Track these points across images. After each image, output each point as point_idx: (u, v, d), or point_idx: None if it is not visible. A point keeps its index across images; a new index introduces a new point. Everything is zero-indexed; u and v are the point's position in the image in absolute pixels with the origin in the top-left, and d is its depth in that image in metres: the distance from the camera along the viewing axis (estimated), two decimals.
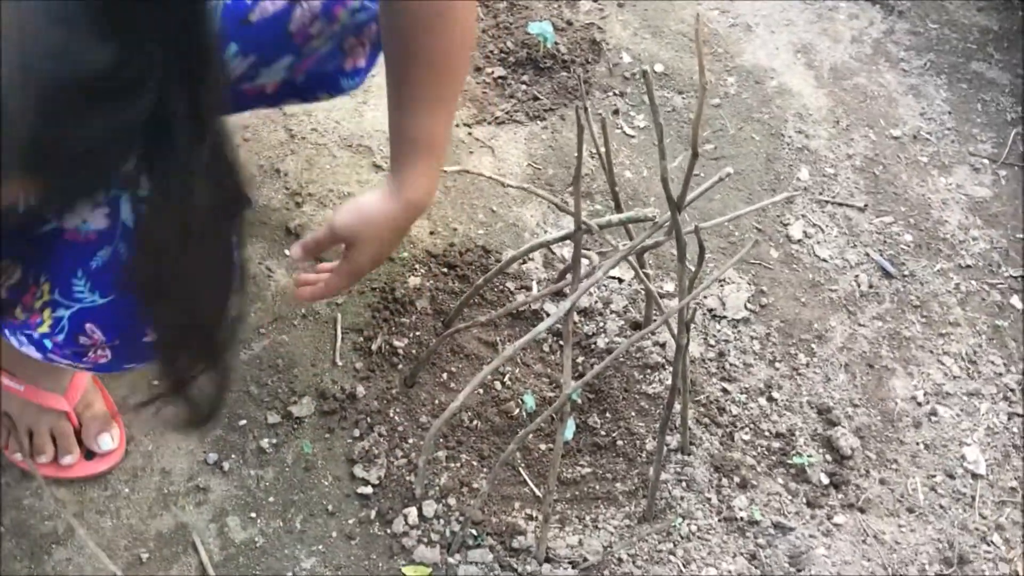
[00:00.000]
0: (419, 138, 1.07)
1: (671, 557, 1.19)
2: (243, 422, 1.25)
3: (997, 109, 1.78)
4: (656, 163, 1.60)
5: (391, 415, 1.27)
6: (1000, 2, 1.96)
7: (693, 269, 1.04)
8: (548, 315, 1.36)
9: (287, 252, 1.41)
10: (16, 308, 0.88)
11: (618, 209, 1.14)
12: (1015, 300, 1.51)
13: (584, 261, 1.39)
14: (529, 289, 1.41)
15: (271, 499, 1.20)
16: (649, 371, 1.35)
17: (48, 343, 0.91)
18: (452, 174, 1.54)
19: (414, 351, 1.32)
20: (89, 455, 1.19)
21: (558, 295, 1.39)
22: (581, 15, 1.82)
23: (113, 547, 1.15)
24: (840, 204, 1.59)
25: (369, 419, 1.26)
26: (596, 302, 1.41)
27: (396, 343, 1.33)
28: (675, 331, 1.09)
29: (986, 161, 1.69)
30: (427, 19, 1.08)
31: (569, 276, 1.36)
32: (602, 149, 1.05)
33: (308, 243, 1.11)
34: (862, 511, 1.26)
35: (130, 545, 1.15)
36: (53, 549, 1.14)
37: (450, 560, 1.16)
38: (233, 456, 1.23)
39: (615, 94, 1.70)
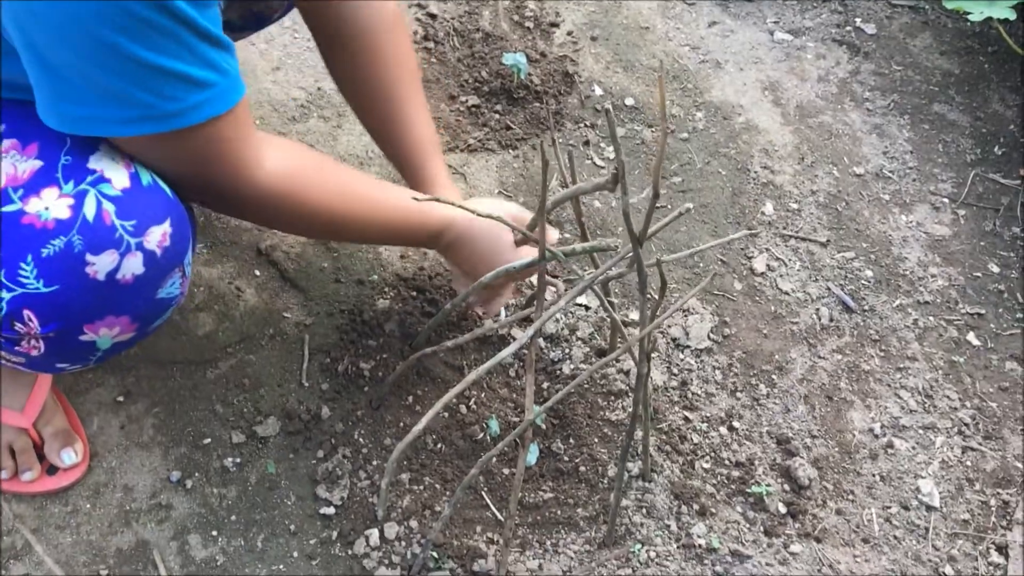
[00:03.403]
0: (430, 139, 1.28)
1: None
2: (207, 440, 1.25)
3: (957, 150, 1.83)
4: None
5: (356, 436, 1.28)
6: (962, 47, 2.02)
7: (656, 299, 1.06)
8: (515, 339, 1.38)
9: (257, 272, 1.43)
10: None
11: (584, 238, 1.16)
12: (971, 336, 1.54)
13: (550, 288, 1.41)
14: (497, 314, 1.43)
15: (233, 518, 1.20)
16: (613, 398, 1.37)
17: None
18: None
19: (380, 373, 1.33)
20: (52, 470, 1.19)
21: (525, 321, 1.41)
22: (555, 47, 1.85)
23: (72, 563, 1.14)
24: (803, 239, 1.63)
25: (333, 440, 1.27)
26: (562, 328, 1.43)
27: (363, 365, 1.34)
28: (636, 360, 1.11)
29: (946, 200, 1.74)
30: (388, 19, 1.22)
31: (535, 302, 1.39)
32: (569, 180, 1.07)
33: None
34: (818, 540, 1.28)
35: (89, 561, 1.15)
36: (10, 565, 1.13)
37: None
38: (196, 474, 1.23)
39: (586, 125, 1.73)
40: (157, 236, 0.92)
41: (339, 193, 1.11)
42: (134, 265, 0.91)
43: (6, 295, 0.87)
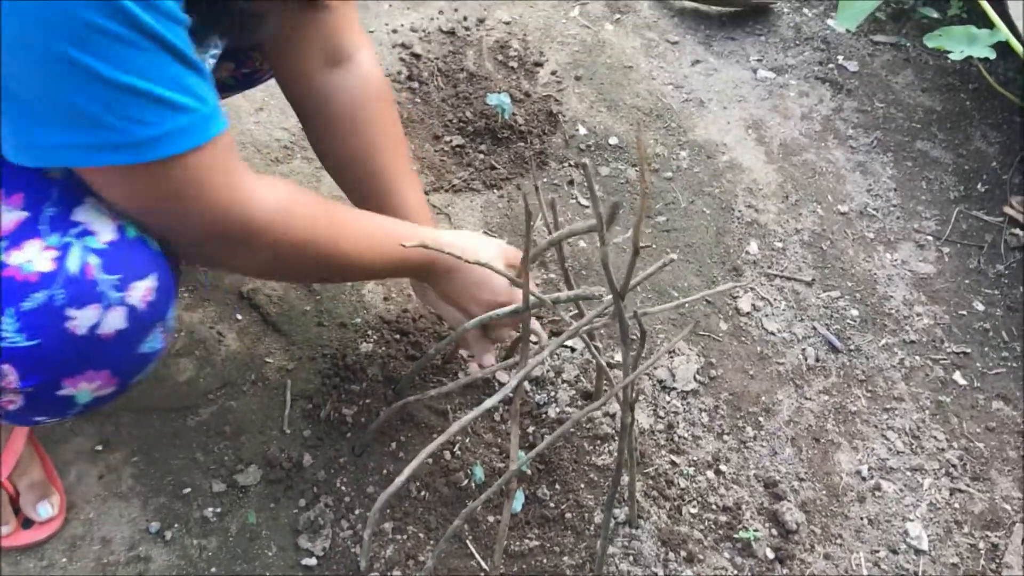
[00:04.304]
0: (422, 215, 1.24)
1: None
2: (187, 490, 1.23)
3: (941, 187, 1.83)
4: (608, 235, 1.63)
5: (338, 485, 1.26)
6: (943, 84, 2.03)
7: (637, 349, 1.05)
8: (501, 384, 1.36)
9: (239, 316, 1.41)
10: None
11: (568, 284, 1.15)
12: (957, 376, 1.54)
13: (534, 335, 1.40)
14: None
15: (213, 570, 1.18)
16: (599, 442, 1.36)
17: None
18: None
19: (363, 419, 1.32)
20: (27, 524, 1.17)
21: (511, 366, 1.39)
22: (539, 87, 1.85)
23: None
24: (788, 278, 1.63)
25: (316, 488, 1.25)
26: (548, 371, 1.42)
27: (345, 411, 1.32)
28: (622, 407, 1.10)
29: (930, 238, 1.74)
30: (373, 93, 1.18)
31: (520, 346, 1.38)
32: (552, 225, 1.07)
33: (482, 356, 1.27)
34: None
35: None
36: None
37: None
38: (176, 525, 1.21)
39: (570, 165, 1.73)
40: (141, 291, 0.91)
41: (331, 224, 1.05)
42: (116, 320, 0.89)
43: None
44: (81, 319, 0.87)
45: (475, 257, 1.01)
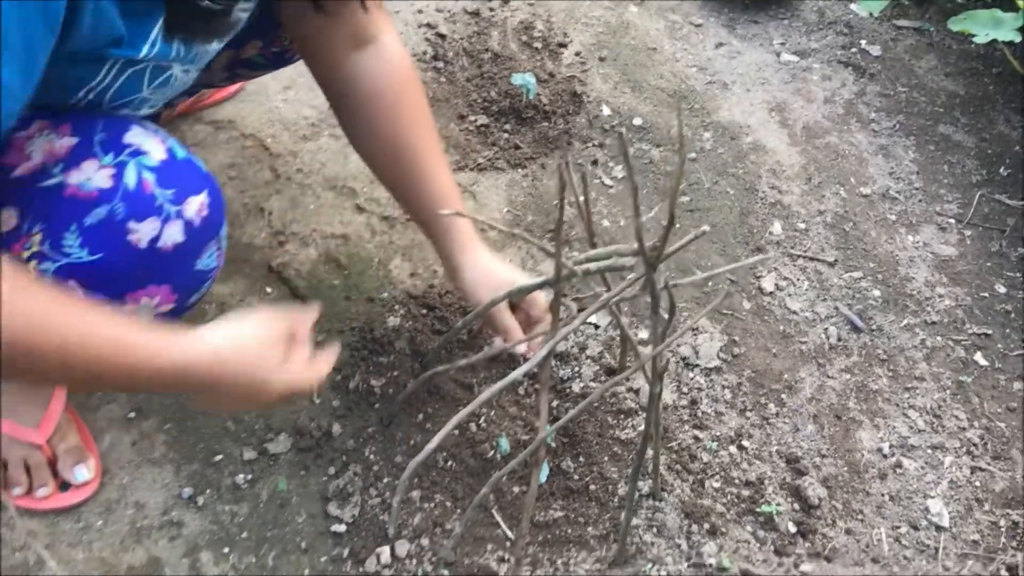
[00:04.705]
0: (453, 196, 1.23)
1: None
2: (219, 457, 1.26)
3: (963, 171, 1.84)
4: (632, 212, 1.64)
5: (367, 454, 1.28)
6: (967, 68, 2.03)
7: (666, 320, 1.07)
8: (525, 359, 1.38)
9: (268, 290, 1.43)
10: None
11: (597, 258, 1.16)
12: (979, 357, 1.55)
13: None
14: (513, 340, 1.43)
15: (245, 535, 1.20)
16: (623, 417, 1.37)
17: None
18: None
19: (391, 391, 1.34)
20: (64, 486, 1.19)
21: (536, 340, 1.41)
22: (563, 68, 1.87)
23: None
24: (811, 259, 1.64)
25: (345, 457, 1.27)
26: (572, 347, 1.44)
27: (373, 382, 1.34)
28: (649, 379, 1.12)
29: (952, 221, 1.75)
30: (402, 77, 1.19)
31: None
32: (581, 199, 1.08)
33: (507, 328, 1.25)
34: (828, 560, 1.28)
35: None
36: None
37: None
38: (208, 491, 1.23)
39: (594, 145, 1.74)
40: (195, 206, 0.94)
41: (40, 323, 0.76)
42: (175, 233, 0.92)
43: (51, 266, 0.88)
44: (142, 232, 0.90)
45: (241, 363, 0.88)
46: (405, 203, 1.30)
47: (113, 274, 0.90)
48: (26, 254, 0.89)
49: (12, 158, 0.91)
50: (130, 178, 0.90)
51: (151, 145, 0.94)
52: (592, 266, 1.06)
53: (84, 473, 1.19)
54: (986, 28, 1.79)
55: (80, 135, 0.92)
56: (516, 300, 1.26)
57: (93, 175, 0.89)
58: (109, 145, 0.92)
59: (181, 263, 0.95)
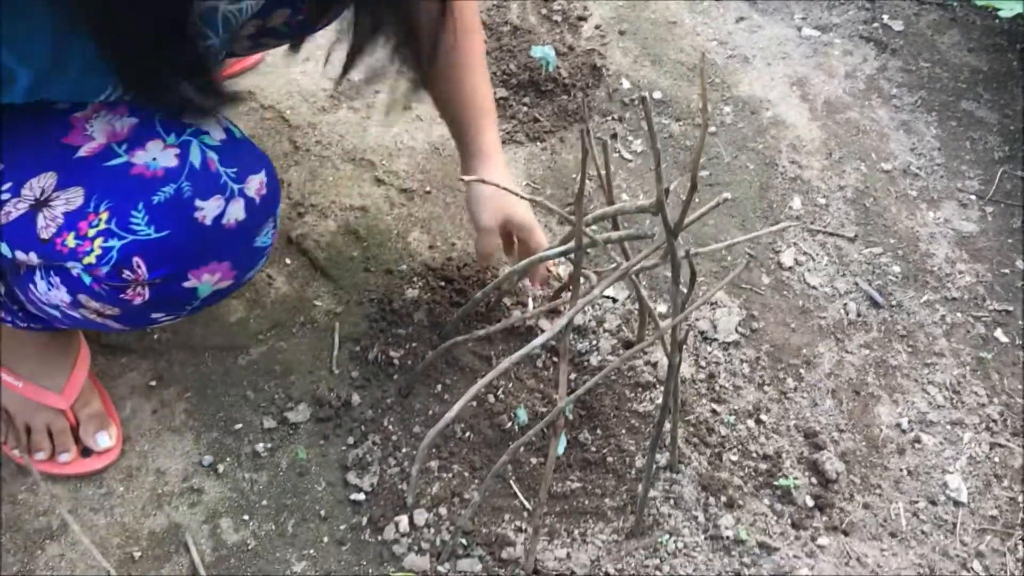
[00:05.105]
0: (487, 105, 1.28)
1: (657, 573, 1.20)
2: (239, 426, 1.26)
3: (985, 147, 1.82)
4: (652, 186, 1.63)
5: (385, 424, 1.28)
6: (990, 44, 2.01)
7: (685, 291, 1.06)
8: (543, 331, 1.38)
9: (288, 261, 1.44)
10: (71, 234, 0.90)
11: (615, 229, 1.16)
12: (999, 333, 1.54)
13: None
14: (525, 305, 1.43)
15: (264, 502, 1.21)
16: (640, 390, 1.37)
17: (87, 278, 0.93)
18: (461, 184, 1.57)
19: (410, 362, 1.34)
20: (86, 452, 1.20)
21: (553, 313, 1.41)
22: (583, 41, 1.85)
23: (106, 544, 1.16)
24: (831, 234, 1.63)
25: (364, 427, 1.28)
26: (590, 320, 1.44)
27: (392, 353, 1.35)
28: (668, 350, 1.12)
29: (973, 197, 1.73)
30: (469, 18, 1.26)
31: (563, 294, 1.39)
32: (602, 171, 1.08)
33: (487, 253, 1.27)
34: (846, 534, 1.28)
35: (123, 543, 1.16)
36: (46, 544, 1.15)
37: (439, 569, 1.17)
38: (228, 459, 1.24)
39: (614, 119, 1.73)
40: (255, 184, 0.96)
41: None
42: (237, 211, 0.94)
43: (116, 243, 0.89)
44: (208, 209, 0.92)
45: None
46: (443, 108, 1.33)
47: (178, 251, 0.92)
48: (92, 232, 0.90)
49: (75, 137, 0.92)
50: (195, 157, 0.92)
51: (210, 125, 0.96)
52: (615, 235, 1.06)
53: (106, 440, 1.20)
54: (1011, 2, 1.77)
55: (138, 116, 0.93)
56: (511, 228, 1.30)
57: (158, 154, 0.91)
58: (169, 125, 0.93)
59: (241, 240, 0.97)
